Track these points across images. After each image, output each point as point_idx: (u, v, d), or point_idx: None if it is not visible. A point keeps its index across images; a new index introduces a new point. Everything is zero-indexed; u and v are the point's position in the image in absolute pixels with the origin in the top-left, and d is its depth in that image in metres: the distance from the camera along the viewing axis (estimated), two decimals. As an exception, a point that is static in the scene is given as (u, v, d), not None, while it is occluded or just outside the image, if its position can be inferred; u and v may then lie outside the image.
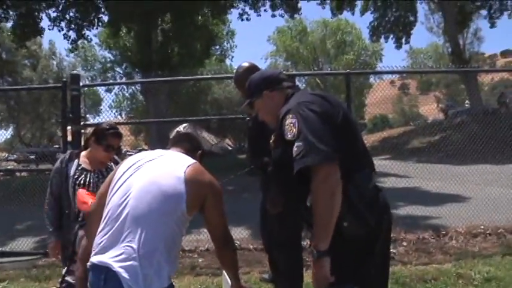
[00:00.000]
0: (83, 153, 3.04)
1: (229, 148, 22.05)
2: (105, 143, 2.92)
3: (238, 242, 5.20)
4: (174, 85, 14.59)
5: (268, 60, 37.80)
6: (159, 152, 2.13)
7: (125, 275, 1.79)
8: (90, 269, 1.92)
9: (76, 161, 3.00)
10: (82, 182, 2.91)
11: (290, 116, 1.85)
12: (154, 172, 1.99)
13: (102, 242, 1.92)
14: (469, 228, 5.35)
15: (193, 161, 2.05)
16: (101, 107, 27.01)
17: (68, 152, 3.15)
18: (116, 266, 1.81)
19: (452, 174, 6.63)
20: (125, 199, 1.94)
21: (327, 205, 1.74)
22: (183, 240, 4.85)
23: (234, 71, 3.84)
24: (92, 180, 2.92)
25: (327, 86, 33.93)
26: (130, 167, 2.04)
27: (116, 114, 25.03)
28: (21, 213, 7.42)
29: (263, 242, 3.99)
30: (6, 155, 23.20)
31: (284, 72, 3.56)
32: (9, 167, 15.76)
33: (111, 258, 1.84)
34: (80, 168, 2.97)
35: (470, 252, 4.66)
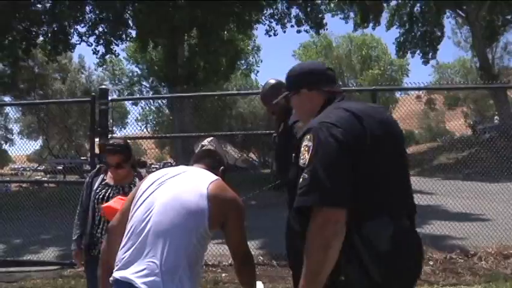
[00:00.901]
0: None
1: (254, 162, 22.06)
2: (105, 160, 3.01)
3: (261, 258, 5.20)
4: (200, 99, 14.73)
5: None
6: (182, 168, 2.14)
7: None
8: (113, 284, 1.92)
9: (102, 175, 3.09)
10: (101, 196, 2.98)
11: (308, 137, 1.61)
12: (177, 188, 1.99)
13: (124, 257, 1.93)
14: (500, 248, 5.17)
15: (216, 177, 2.05)
16: (128, 120, 27.54)
17: (98, 166, 3.23)
18: (139, 282, 1.81)
19: (480, 191, 6.44)
20: (148, 214, 1.95)
21: (318, 259, 1.49)
22: (206, 254, 4.88)
23: (260, 85, 3.85)
24: (111, 195, 2.97)
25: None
26: (153, 182, 2.06)
27: (142, 127, 25.41)
28: (48, 223, 7.56)
29: (288, 259, 3.96)
30: (36, 165, 23.79)
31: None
32: (37, 177, 16.14)
33: (134, 274, 1.85)
34: (103, 183, 3.05)
35: (502, 274, 4.51)
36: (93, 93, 5.44)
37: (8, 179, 17.34)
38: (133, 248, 1.91)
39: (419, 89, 6.59)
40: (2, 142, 30.24)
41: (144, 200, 2.02)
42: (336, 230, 1.48)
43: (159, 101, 21.20)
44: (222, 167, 2.23)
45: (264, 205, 7.90)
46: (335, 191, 1.49)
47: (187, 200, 1.91)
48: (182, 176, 2.07)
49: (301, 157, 1.60)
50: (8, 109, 19.69)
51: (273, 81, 3.53)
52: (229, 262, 4.98)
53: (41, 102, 14.96)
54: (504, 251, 5.13)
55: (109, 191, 2.99)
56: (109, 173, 3.08)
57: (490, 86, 10.84)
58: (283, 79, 3.54)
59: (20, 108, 19.31)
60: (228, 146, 18.56)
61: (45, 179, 14.48)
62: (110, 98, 5.34)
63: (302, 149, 1.61)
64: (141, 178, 3.05)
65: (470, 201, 7.79)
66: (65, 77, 26.89)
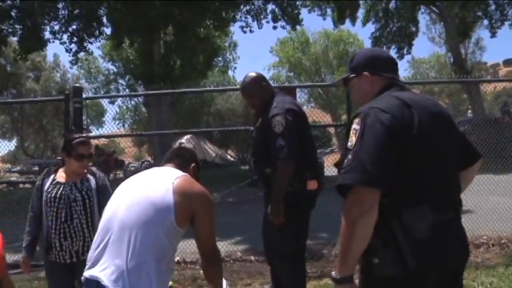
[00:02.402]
0: (61, 168, 3.08)
1: (232, 159, 22.03)
2: (75, 152, 2.95)
3: (239, 254, 5.21)
4: (177, 97, 14.62)
5: (271, 71, 37.86)
6: (151, 169, 2.16)
7: None
8: (84, 283, 1.93)
9: (52, 176, 3.05)
10: (53, 195, 2.93)
11: (357, 120, 1.67)
12: (144, 186, 2.02)
13: (93, 256, 1.94)
14: (472, 238, 5.29)
15: (184, 173, 2.06)
16: (104, 119, 27.14)
17: (47, 169, 3.19)
18: (105, 279, 1.82)
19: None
20: (115, 212, 1.97)
21: (346, 234, 1.57)
22: (185, 251, 4.87)
23: (237, 82, 3.87)
24: (64, 192, 2.94)
25: (329, 97, 33.99)
26: (124, 186, 2.09)
27: (119, 126, 25.10)
28: (23, 224, 7.39)
29: (265, 254, 3.98)
30: (10, 166, 23.26)
31: (286, 84, 3.62)
32: (12, 179, 15.78)
33: (101, 272, 1.85)
34: (54, 182, 3.00)
35: (473, 263, 4.63)
36: (67, 92, 5.36)
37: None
38: (101, 246, 1.92)
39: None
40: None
41: (113, 200, 2.05)
42: (362, 210, 1.53)
43: (136, 99, 20.96)
44: (193, 164, 2.22)
45: (242, 201, 7.92)
46: (373, 172, 1.54)
47: (153, 195, 1.92)
48: (149, 175, 2.10)
49: (349, 139, 1.66)
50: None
51: (253, 74, 3.54)
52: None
53: (14, 102, 14.59)
54: (475, 240, 5.27)
55: (61, 189, 2.95)
56: (59, 172, 3.05)
57: (464, 80, 11.07)
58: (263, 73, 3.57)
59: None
60: (206, 143, 18.49)
61: (21, 179, 14.19)
62: (84, 96, 5.28)
63: (351, 132, 1.67)
64: (94, 174, 3.05)
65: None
66: (38, 76, 26.34)
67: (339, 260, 1.62)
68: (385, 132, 1.59)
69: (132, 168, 17.90)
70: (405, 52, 22.86)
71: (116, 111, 21.88)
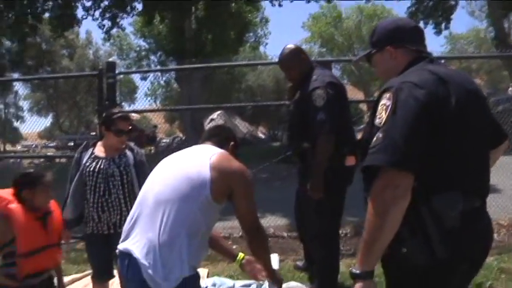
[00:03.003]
0: (100, 142, 3.08)
1: (262, 137, 22.01)
2: (114, 128, 2.95)
3: (272, 230, 5.19)
4: (208, 73, 14.60)
5: (303, 47, 37.11)
6: (191, 147, 2.13)
7: (144, 261, 1.79)
8: (118, 255, 1.94)
9: (91, 149, 3.05)
10: (92, 169, 2.94)
11: (387, 95, 1.50)
12: (181, 161, 2.01)
13: (127, 228, 1.95)
14: (512, 221, 5.13)
15: (222, 150, 2.03)
16: (136, 95, 27.53)
17: (85, 142, 3.19)
18: (137, 252, 1.81)
19: (495, 165, 6.30)
20: (151, 186, 1.97)
21: (375, 222, 1.42)
22: (217, 226, 4.87)
23: (268, 58, 3.77)
24: (102, 167, 2.95)
25: (362, 73, 33.33)
26: (164, 162, 2.08)
27: (151, 102, 25.40)
28: (59, 198, 7.61)
29: (298, 231, 3.95)
30: (46, 142, 23.98)
31: (319, 59, 3.52)
32: (48, 154, 16.25)
33: (133, 245, 1.85)
34: (92, 156, 3.01)
35: (514, 246, 4.46)
36: (101, 67, 5.37)
37: (20, 155, 17.37)
38: (135, 218, 1.93)
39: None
40: (13, 120, 30.42)
41: (151, 175, 2.05)
42: (396, 195, 1.39)
43: (168, 75, 21.09)
44: (232, 142, 2.18)
45: (275, 178, 7.88)
46: (407, 153, 1.39)
47: (190, 171, 1.89)
48: (188, 152, 2.08)
49: (378, 116, 1.51)
50: (17, 86, 19.77)
51: (292, 46, 3.44)
52: (240, 234, 4.98)
53: (49, 77, 14.93)
54: (520, 223, 5.08)
55: (99, 163, 2.96)
56: (98, 147, 3.06)
57: (505, 55, 10.52)
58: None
59: (29, 85, 19.37)
60: (237, 119, 18.47)
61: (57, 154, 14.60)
62: (117, 71, 5.28)
63: (379, 107, 1.52)
64: (132, 150, 3.05)
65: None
66: (72, 53, 26.78)
67: (361, 252, 1.47)
68: (420, 109, 1.43)
69: (164, 144, 18.14)
70: (443, 27, 22.04)
71: (148, 88, 22.15)
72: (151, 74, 21.43)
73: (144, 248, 1.81)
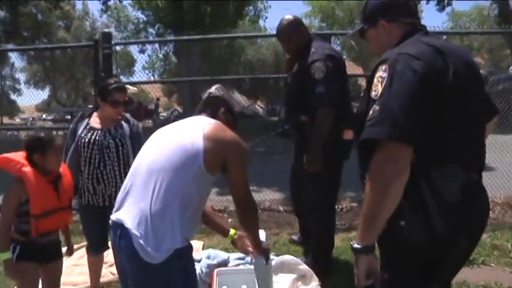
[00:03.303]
0: (95, 113, 3.04)
1: (260, 111, 21.93)
2: (111, 99, 2.90)
3: (268, 204, 5.22)
4: (207, 46, 14.41)
5: (304, 21, 36.80)
6: (186, 119, 2.11)
7: (135, 231, 1.77)
8: (111, 226, 1.92)
9: (86, 120, 3.00)
10: (87, 140, 2.91)
11: (383, 67, 1.46)
12: (175, 132, 1.98)
13: (120, 198, 1.93)
14: (508, 199, 5.15)
15: (216, 120, 2.01)
16: (134, 68, 27.33)
17: (81, 112, 3.15)
18: (128, 222, 1.80)
19: (491, 143, 6.31)
20: (144, 156, 1.95)
21: (375, 198, 1.39)
22: (213, 199, 4.88)
23: (268, 32, 3.68)
24: (97, 138, 2.91)
25: (362, 49, 33.01)
26: (157, 133, 2.06)
27: (149, 75, 25.21)
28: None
29: (293, 205, 3.95)
30: (44, 115, 23.87)
31: (319, 32, 3.45)
32: (45, 126, 16.18)
33: (125, 214, 1.83)
34: (88, 127, 2.96)
35: (508, 224, 4.51)
36: (96, 38, 5.28)
37: (18, 127, 17.33)
38: (127, 189, 1.90)
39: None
40: (10, 92, 30.20)
41: (145, 146, 2.03)
42: (397, 169, 1.36)
43: (166, 48, 20.84)
44: (222, 108, 2.15)
45: (272, 151, 7.86)
46: (406, 126, 1.35)
47: (183, 140, 1.87)
48: (182, 123, 2.05)
49: (374, 89, 1.47)
50: (13, 58, 19.53)
51: (290, 17, 3.36)
52: (236, 208, 5.02)
53: (44, 48, 14.76)
54: (511, 201, 5.10)
55: (95, 134, 2.92)
56: (93, 117, 3.02)
57: (506, 31, 10.35)
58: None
59: (25, 58, 19.11)
60: (235, 92, 18.35)
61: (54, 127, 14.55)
62: (113, 42, 5.19)
63: (375, 80, 1.48)
64: (128, 121, 3.01)
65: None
66: (69, 25, 26.36)
67: (362, 227, 1.45)
68: (418, 81, 1.39)
69: (162, 118, 18.07)
70: (446, 3, 21.69)
71: (146, 61, 21.94)
72: (150, 48, 21.18)
73: (136, 218, 1.79)
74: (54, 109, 25.28)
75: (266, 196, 5.46)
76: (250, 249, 2.24)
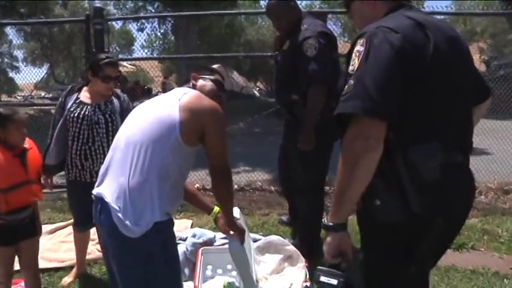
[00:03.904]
0: (85, 87, 2.97)
1: (257, 93, 21.77)
2: (102, 73, 2.85)
3: (260, 184, 5.18)
4: (205, 25, 14.17)
5: (304, 2, 36.35)
6: (166, 93, 2.08)
7: (114, 205, 1.75)
8: (93, 200, 1.91)
9: (76, 94, 2.94)
10: (76, 115, 2.85)
11: (361, 41, 1.40)
12: (154, 105, 1.96)
13: (101, 173, 1.92)
14: (501, 184, 5.13)
15: (193, 90, 1.98)
16: (134, 47, 27.12)
17: (70, 86, 3.09)
18: (108, 196, 1.78)
19: (489, 128, 6.28)
20: (124, 131, 1.94)
21: (345, 174, 1.34)
22: (206, 179, 4.84)
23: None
24: (87, 113, 2.86)
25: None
26: (137, 108, 2.05)
27: (148, 54, 25.00)
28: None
29: (281, 185, 3.91)
30: (43, 93, 23.71)
31: (316, 10, 3.36)
32: (41, 103, 16.07)
33: (106, 189, 1.82)
34: (77, 101, 2.90)
35: (500, 209, 4.50)
36: (87, 13, 5.18)
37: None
38: (108, 163, 1.90)
39: (433, 13, 6.19)
40: (8, 70, 29.94)
41: (125, 121, 2.01)
42: (367, 145, 1.31)
43: (165, 27, 20.55)
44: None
45: (267, 132, 7.80)
46: (379, 100, 1.30)
47: (160, 112, 1.85)
48: (162, 96, 2.03)
49: (351, 63, 1.41)
50: (11, 35, 19.26)
51: None
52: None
53: (35, 22, 14.55)
54: (505, 186, 5.09)
55: (84, 109, 2.87)
56: (83, 92, 2.95)
57: (507, 12, 10.12)
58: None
59: (22, 34, 18.87)
60: (234, 73, 18.17)
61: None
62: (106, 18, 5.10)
63: (353, 54, 1.42)
64: (118, 97, 2.96)
65: (476, 137, 7.56)
66: (66, 2, 25.96)
67: (333, 204, 1.41)
68: (395, 54, 1.33)
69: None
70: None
71: (145, 40, 21.68)
72: (148, 26, 20.90)
73: (115, 192, 1.78)
74: (52, 87, 25.08)
75: (258, 176, 5.43)
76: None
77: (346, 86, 1.38)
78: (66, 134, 2.90)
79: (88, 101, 2.90)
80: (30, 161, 2.51)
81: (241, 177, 5.36)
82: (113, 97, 2.96)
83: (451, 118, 1.45)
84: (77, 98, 2.92)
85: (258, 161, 5.75)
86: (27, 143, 2.54)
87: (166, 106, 1.86)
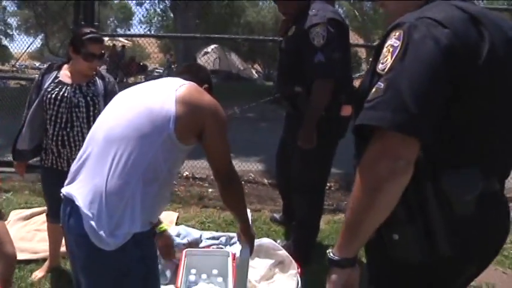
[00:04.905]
0: (66, 65, 2.66)
1: (257, 74, 21.42)
2: (84, 50, 2.53)
3: (252, 175, 4.92)
4: (205, 3, 13.76)
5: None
6: (158, 79, 1.80)
7: (87, 211, 1.48)
8: (63, 199, 1.63)
9: (55, 73, 2.63)
10: (53, 96, 2.55)
11: (396, 34, 1.10)
12: (143, 93, 1.67)
13: (74, 169, 1.62)
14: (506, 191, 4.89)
15: (191, 82, 1.70)
16: (132, 22, 26.59)
17: (48, 63, 2.78)
18: (80, 199, 1.50)
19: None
20: (104, 120, 1.64)
21: (363, 201, 1.08)
22: (195, 166, 4.57)
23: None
24: (66, 95, 2.55)
25: (365, 20, 32.21)
26: (122, 93, 1.76)
27: (146, 30, 24.54)
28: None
29: (278, 183, 3.66)
30: (37, 63, 23.23)
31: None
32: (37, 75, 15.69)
33: (78, 190, 1.54)
34: (56, 80, 2.60)
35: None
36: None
37: (7, 75, 16.73)
38: (82, 159, 1.60)
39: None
40: (2, 37, 29.32)
41: (106, 109, 1.72)
42: (396, 168, 1.03)
43: (165, 3, 20.07)
44: (205, 85, 1.84)
45: (262, 118, 7.52)
46: (416, 112, 1.01)
47: (151, 103, 1.57)
48: (153, 83, 1.74)
49: (381, 61, 1.11)
50: (5, 2, 18.72)
51: None
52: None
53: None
54: (508, 193, 4.85)
55: (63, 90, 2.56)
56: (63, 70, 2.65)
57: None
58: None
59: (16, 1, 18.37)
60: (232, 54, 17.79)
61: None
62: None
63: (384, 49, 1.11)
64: (102, 78, 2.67)
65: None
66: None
67: (342, 235, 1.14)
68: (441, 55, 1.04)
69: (157, 74, 17.51)
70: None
71: (143, 15, 21.20)
72: (147, 1, 20.39)
73: (88, 194, 1.51)
74: (47, 58, 24.58)
75: (251, 167, 5.16)
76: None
77: (374, 90, 1.08)
78: (42, 116, 2.61)
79: (68, 80, 2.60)
80: None
81: (232, 167, 5.06)
82: (97, 78, 2.66)
83: (499, 138, 1.17)
84: (56, 77, 2.62)
85: (250, 150, 5.47)
86: None
87: (160, 96, 1.59)
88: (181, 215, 3.77)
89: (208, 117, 1.61)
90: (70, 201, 1.55)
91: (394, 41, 1.09)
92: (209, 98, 1.67)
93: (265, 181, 4.72)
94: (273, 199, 4.18)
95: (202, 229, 3.40)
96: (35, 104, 2.61)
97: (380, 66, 1.11)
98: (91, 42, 2.54)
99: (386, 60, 1.09)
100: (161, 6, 22.09)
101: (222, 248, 2.78)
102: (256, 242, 2.81)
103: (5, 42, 28.38)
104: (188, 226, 3.39)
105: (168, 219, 3.61)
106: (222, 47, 16.48)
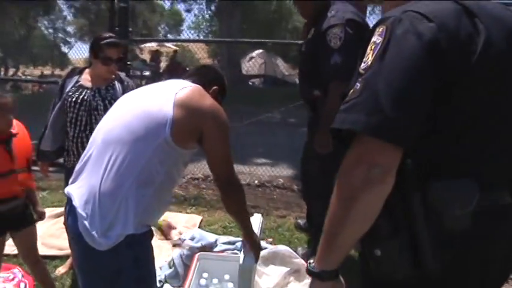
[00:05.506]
0: (87, 70, 2.75)
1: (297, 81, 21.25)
2: (102, 55, 2.61)
3: (281, 180, 4.84)
4: (249, 9, 13.80)
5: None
6: (163, 81, 1.79)
7: (81, 211, 1.50)
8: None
9: (76, 77, 2.72)
10: (74, 99, 2.64)
11: (380, 29, 1.01)
12: (144, 96, 1.67)
13: (77, 169, 1.66)
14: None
15: (194, 84, 1.67)
16: (182, 28, 27.16)
17: (71, 68, 2.89)
18: (76, 199, 1.54)
19: None
20: (105, 122, 1.66)
21: (338, 211, 0.99)
22: (193, 166, 4.51)
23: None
24: (86, 98, 2.64)
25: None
26: (126, 96, 1.79)
27: (194, 35, 25.05)
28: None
29: (302, 188, 3.58)
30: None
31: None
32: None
33: (76, 190, 1.57)
34: (77, 84, 2.69)
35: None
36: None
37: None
38: (85, 159, 1.64)
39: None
40: (61, 44, 30.83)
41: (109, 112, 1.74)
42: (372, 176, 0.94)
43: (213, 8, 20.37)
44: (215, 87, 1.80)
45: (297, 123, 7.41)
46: (392, 116, 0.92)
47: (150, 106, 1.57)
48: (156, 85, 1.74)
49: (364, 59, 1.03)
50: (65, 12, 19.73)
51: None
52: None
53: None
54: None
55: (83, 93, 2.65)
56: (84, 74, 2.74)
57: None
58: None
59: (72, 10, 19.33)
60: (278, 59, 17.72)
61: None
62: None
63: (369, 46, 1.03)
64: (121, 81, 2.73)
65: None
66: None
67: (321, 246, 1.06)
68: (423, 50, 0.94)
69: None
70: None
71: (192, 21, 21.62)
72: (196, 8, 20.80)
73: (84, 195, 1.54)
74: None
75: (281, 172, 5.07)
76: None
77: (351, 90, 1.01)
78: (64, 119, 2.71)
79: (88, 84, 2.70)
80: (17, 148, 2.31)
81: (263, 171, 5.01)
82: (116, 81, 2.74)
83: (497, 144, 1.05)
84: (77, 81, 2.72)
85: (282, 155, 5.38)
86: (15, 128, 2.33)
87: (159, 99, 1.59)
88: (205, 219, 3.76)
89: (207, 121, 1.58)
90: (69, 200, 1.60)
91: (377, 37, 1.01)
92: (210, 101, 1.64)
93: (295, 187, 4.62)
94: (299, 205, 4.08)
95: (225, 233, 3.38)
96: (57, 107, 2.71)
97: (362, 65, 1.02)
98: (108, 46, 2.63)
99: (367, 59, 1.01)
100: (209, 12, 22.49)
101: (236, 253, 2.73)
102: (272, 248, 2.77)
103: (65, 49, 29.84)
104: (211, 230, 3.37)
105: (191, 222, 3.61)
106: (267, 52, 16.45)
